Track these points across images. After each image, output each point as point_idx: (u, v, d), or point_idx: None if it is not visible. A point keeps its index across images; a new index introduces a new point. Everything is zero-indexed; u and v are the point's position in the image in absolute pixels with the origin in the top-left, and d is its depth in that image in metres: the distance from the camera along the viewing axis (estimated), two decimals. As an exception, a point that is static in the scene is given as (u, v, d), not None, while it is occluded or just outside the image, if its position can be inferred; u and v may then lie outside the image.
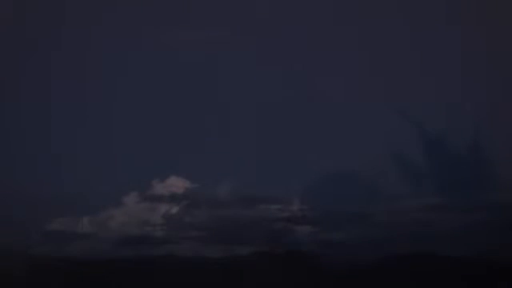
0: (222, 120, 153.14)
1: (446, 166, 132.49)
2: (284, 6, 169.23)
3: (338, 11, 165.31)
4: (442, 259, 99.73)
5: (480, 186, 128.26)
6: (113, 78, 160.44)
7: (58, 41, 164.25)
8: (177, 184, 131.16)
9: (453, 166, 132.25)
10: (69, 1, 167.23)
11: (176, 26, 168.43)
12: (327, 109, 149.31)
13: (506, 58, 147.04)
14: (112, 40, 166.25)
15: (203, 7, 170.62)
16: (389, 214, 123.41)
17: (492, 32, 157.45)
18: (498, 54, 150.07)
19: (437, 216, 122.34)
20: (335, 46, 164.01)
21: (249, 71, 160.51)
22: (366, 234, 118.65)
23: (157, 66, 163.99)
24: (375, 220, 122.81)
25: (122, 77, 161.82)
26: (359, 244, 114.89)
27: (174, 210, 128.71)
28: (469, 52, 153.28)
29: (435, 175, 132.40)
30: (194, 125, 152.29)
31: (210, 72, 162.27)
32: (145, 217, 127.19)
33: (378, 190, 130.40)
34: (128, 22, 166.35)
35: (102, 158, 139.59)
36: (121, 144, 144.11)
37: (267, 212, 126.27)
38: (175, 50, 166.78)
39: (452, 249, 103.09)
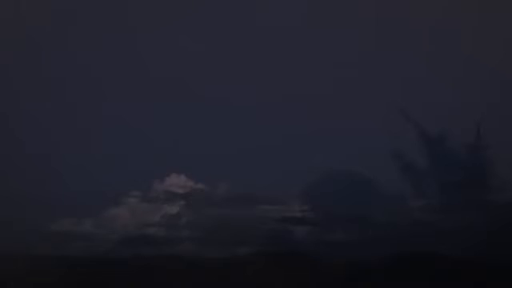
0: (222, 120, 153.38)
1: (446, 166, 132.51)
2: (281, 7, 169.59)
3: (338, 10, 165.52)
4: (441, 259, 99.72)
5: (480, 185, 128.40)
6: (113, 77, 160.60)
7: (59, 40, 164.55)
8: (177, 184, 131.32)
9: (453, 166, 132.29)
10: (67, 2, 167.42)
11: (178, 26, 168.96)
12: (327, 108, 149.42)
13: (506, 58, 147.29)
14: (112, 39, 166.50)
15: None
16: (389, 214, 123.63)
17: (492, 31, 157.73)
18: (498, 54, 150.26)
19: (437, 216, 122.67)
20: (335, 45, 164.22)
21: (248, 70, 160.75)
22: (366, 234, 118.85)
23: (157, 66, 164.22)
24: (375, 220, 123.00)
25: (122, 76, 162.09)
26: (359, 244, 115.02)
27: (174, 210, 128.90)
28: (469, 51, 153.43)
29: (435, 175, 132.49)
30: (194, 125, 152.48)
31: (210, 71, 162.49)
32: (145, 217, 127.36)
33: (378, 189, 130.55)
34: (128, 22, 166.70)
35: (102, 157, 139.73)
36: (121, 144, 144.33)
37: (267, 212, 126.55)
38: (175, 50, 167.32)
39: (452, 249, 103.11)
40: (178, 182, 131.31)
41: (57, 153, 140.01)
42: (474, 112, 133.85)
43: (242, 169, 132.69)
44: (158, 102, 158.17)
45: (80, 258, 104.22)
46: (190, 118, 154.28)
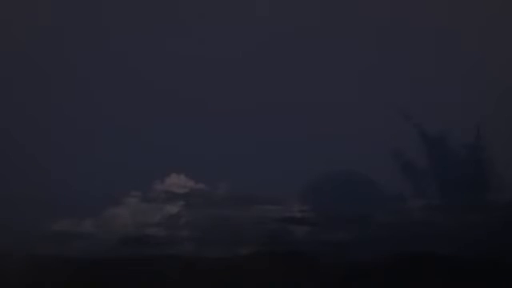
0: (222, 120, 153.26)
1: (446, 165, 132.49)
2: (282, 6, 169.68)
3: (338, 10, 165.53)
4: (442, 259, 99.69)
5: (480, 185, 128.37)
6: (113, 77, 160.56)
7: (59, 40, 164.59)
8: (177, 184, 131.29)
9: (453, 165, 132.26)
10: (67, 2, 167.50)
11: (178, 27, 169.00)
12: (327, 108, 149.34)
13: (506, 58, 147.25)
14: (113, 39, 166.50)
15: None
16: (389, 214, 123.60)
17: (492, 31, 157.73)
18: (498, 54, 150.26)
19: (437, 216, 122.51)
20: (335, 45, 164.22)
21: (248, 70, 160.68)
22: (366, 234, 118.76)
23: (157, 67, 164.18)
24: (375, 220, 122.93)
25: (122, 76, 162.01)
26: (359, 244, 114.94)
27: (174, 210, 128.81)
28: (469, 51, 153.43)
29: (435, 175, 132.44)
30: (194, 125, 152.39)
31: (210, 71, 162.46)
32: (145, 217, 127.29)
33: (378, 189, 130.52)
34: (129, 23, 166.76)
35: (102, 157, 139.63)
36: (121, 144, 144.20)
37: (267, 212, 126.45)
38: (175, 50, 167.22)
39: (452, 249, 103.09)
40: (177, 182, 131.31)
41: (57, 153, 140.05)
42: (473, 112, 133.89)
43: (242, 169, 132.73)
44: (158, 102, 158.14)
45: (80, 258, 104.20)
46: (190, 117, 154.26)
